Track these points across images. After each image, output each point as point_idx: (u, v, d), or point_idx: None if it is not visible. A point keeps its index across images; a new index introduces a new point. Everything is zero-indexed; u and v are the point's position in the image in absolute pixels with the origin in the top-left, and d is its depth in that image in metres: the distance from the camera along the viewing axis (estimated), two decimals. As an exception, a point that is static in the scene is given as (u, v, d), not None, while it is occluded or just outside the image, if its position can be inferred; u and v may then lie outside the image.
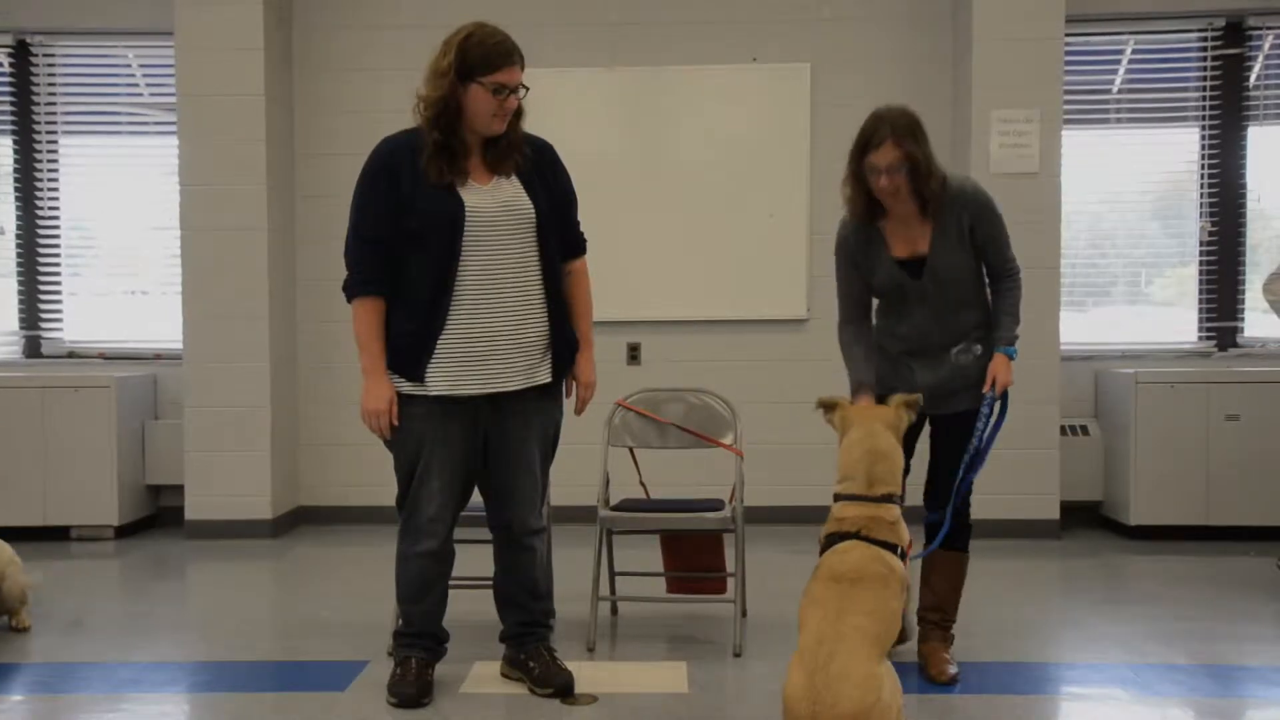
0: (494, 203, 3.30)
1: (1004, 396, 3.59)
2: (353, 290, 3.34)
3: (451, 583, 3.54)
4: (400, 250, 3.28)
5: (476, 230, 3.26)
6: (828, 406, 3.27)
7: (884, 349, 3.66)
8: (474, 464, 3.42)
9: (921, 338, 3.57)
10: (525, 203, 3.34)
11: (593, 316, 3.58)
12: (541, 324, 3.38)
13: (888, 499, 3.07)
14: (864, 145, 3.40)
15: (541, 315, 3.37)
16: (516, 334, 3.33)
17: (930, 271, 3.51)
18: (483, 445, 3.41)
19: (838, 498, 3.12)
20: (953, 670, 3.61)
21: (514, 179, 3.35)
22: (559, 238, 3.43)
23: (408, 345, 3.30)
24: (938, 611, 3.72)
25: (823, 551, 3.04)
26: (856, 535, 2.99)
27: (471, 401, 3.33)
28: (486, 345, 3.30)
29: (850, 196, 3.50)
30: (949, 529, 3.55)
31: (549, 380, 3.43)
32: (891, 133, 3.35)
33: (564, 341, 3.44)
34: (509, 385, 3.34)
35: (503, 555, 3.56)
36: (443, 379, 3.30)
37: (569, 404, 3.57)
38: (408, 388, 3.33)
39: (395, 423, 3.33)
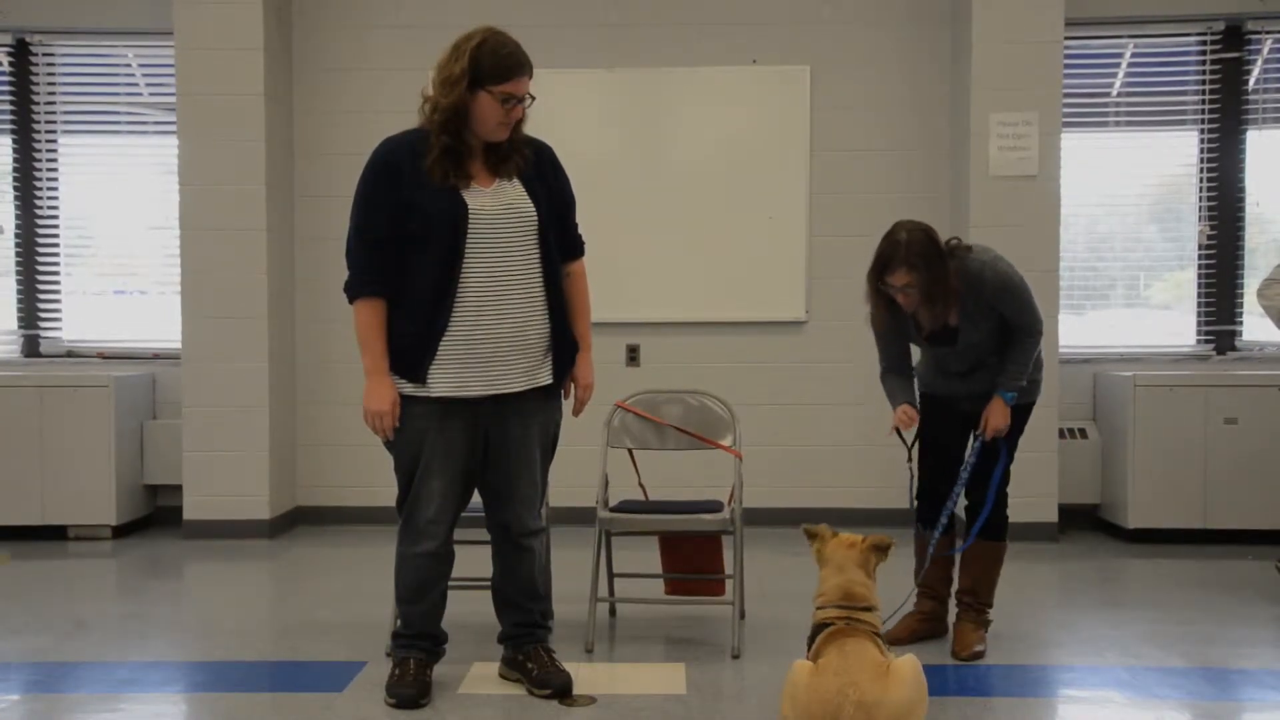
0: (497, 204, 3.30)
1: (1008, 438, 3.88)
2: (354, 291, 3.34)
3: (450, 583, 3.54)
4: (402, 251, 3.28)
5: (479, 232, 3.27)
6: (810, 535, 3.25)
7: (930, 367, 3.99)
8: (474, 465, 3.43)
9: (961, 367, 3.89)
10: (527, 205, 3.34)
11: (591, 318, 3.59)
12: (543, 325, 3.38)
13: (867, 609, 3.10)
14: (881, 268, 3.66)
15: (543, 316, 3.38)
16: (519, 335, 3.33)
17: (965, 342, 3.81)
18: (483, 446, 3.41)
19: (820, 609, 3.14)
20: (977, 648, 3.86)
21: (516, 181, 3.35)
22: (559, 239, 3.44)
23: (410, 346, 3.30)
24: (970, 594, 3.97)
25: (812, 640, 3.07)
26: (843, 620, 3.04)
27: (473, 402, 3.33)
28: (489, 346, 3.30)
29: (872, 309, 3.79)
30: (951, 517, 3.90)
31: (550, 381, 3.43)
32: (905, 259, 3.59)
33: (565, 343, 3.44)
34: (511, 386, 3.34)
35: (501, 556, 3.56)
36: (445, 380, 3.30)
37: (567, 405, 3.57)
38: (409, 388, 3.33)
39: (398, 424, 3.34)
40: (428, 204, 3.25)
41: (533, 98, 3.32)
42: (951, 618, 4.05)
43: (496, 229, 3.29)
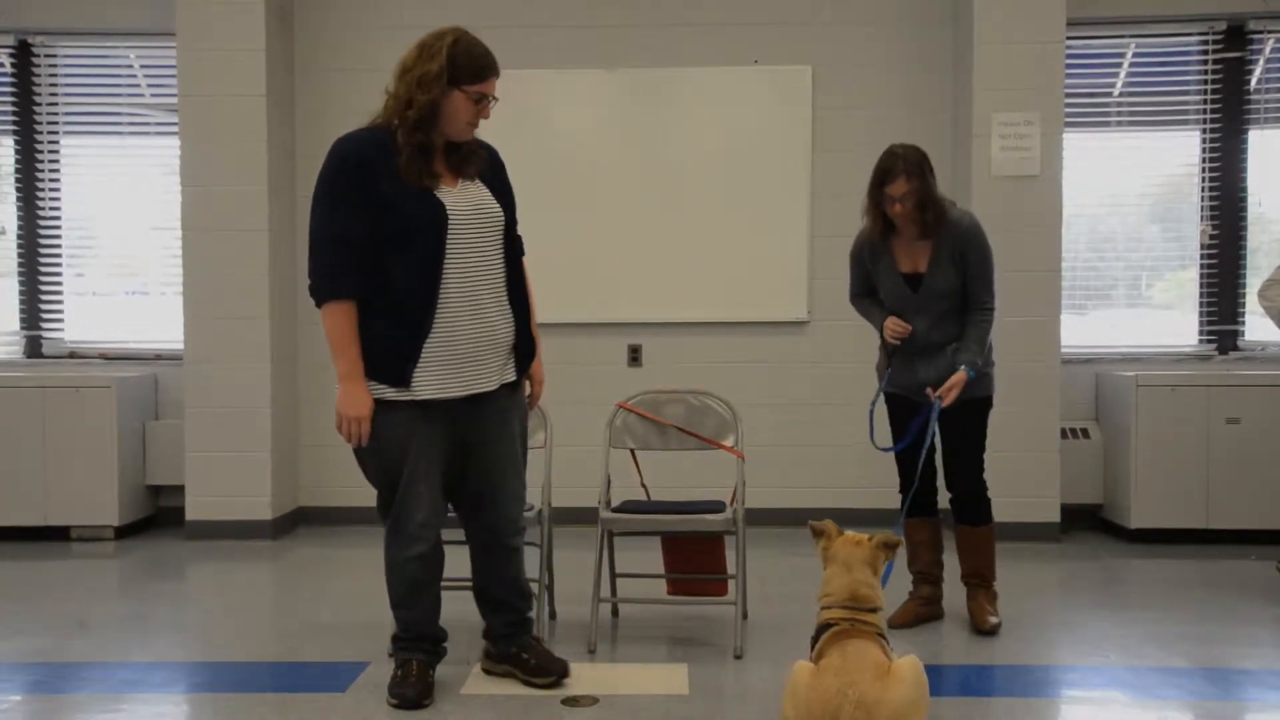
0: (468, 205, 3.32)
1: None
2: (324, 293, 3.25)
3: (448, 584, 3.54)
4: (379, 253, 3.24)
5: (456, 233, 3.27)
6: (816, 532, 3.17)
7: (894, 348, 4.18)
8: (453, 468, 3.42)
9: (923, 337, 4.10)
10: (495, 205, 3.38)
11: (537, 316, 3.59)
12: (510, 323, 3.41)
13: (871, 610, 3.06)
14: (881, 178, 4.01)
15: (510, 315, 3.41)
16: (493, 334, 3.36)
17: (926, 288, 4.06)
18: (460, 448, 3.41)
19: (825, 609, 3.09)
20: (993, 620, 4.12)
21: (478, 182, 3.38)
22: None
23: (393, 349, 3.27)
24: (975, 576, 4.22)
25: (816, 640, 3.03)
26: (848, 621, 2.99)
27: (450, 404, 3.32)
28: (468, 347, 3.31)
29: (870, 219, 4.12)
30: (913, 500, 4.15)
31: (515, 378, 3.47)
32: (904, 169, 3.96)
33: (527, 340, 3.48)
34: (487, 385, 3.36)
35: (487, 559, 3.54)
36: (429, 382, 3.29)
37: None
38: (390, 393, 3.29)
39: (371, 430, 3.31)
40: (406, 204, 3.23)
41: (496, 99, 3.35)
42: (961, 603, 4.22)
43: (471, 230, 3.30)
